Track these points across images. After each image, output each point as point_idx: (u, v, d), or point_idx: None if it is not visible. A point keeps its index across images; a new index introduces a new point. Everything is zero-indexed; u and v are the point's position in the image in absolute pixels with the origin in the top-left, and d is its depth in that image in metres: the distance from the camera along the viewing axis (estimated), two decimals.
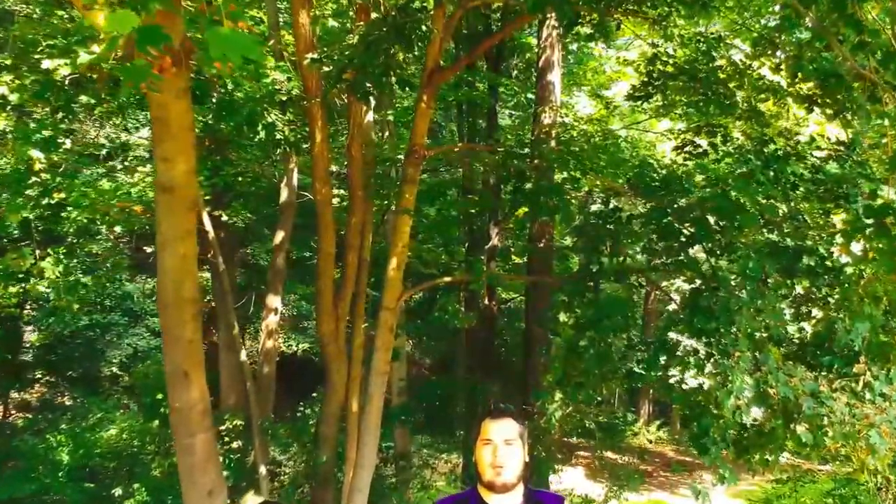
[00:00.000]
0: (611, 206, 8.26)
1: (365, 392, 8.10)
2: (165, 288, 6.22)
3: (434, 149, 9.66)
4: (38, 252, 6.71)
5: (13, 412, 20.34)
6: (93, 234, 13.30)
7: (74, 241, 13.56)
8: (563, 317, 7.60)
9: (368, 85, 5.98)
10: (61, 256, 7.04)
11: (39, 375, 20.68)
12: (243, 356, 10.80)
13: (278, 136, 7.58)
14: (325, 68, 6.43)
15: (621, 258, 8.06)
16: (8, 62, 7.06)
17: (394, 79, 6.35)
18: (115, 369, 20.81)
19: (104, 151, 9.64)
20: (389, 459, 12.89)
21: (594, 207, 12.54)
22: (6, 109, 7.75)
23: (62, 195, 6.54)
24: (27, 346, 20.57)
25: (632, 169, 9.59)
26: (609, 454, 17.56)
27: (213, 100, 7.99)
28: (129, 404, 18.36)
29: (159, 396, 12.25)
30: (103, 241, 14.87)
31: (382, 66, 5.76)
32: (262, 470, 10.13)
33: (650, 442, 23.50)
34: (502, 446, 2.76)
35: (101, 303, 20.79)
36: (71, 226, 11.57)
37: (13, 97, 6.81)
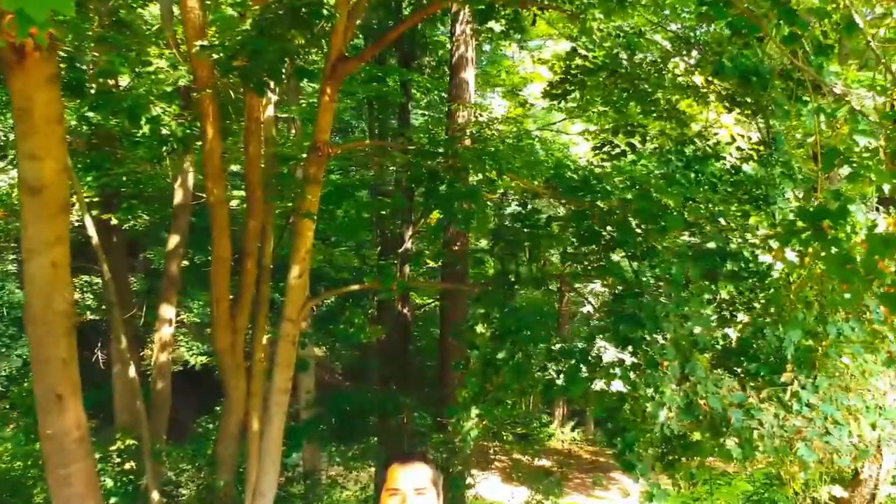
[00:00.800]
0: (528, 208, 7.84)
1: (265, 411, 7.43)
2: (32, 301, 5.47)
3: (340, 146, 9.05)
4: None
5: None
6: None
7: None
8: (479, 328, 7.14)
9: (263, 74, 5.36)
10: None
11: None
12: (132, 372, 9.94)
13: (165, 132, 6.86)
14: (216, 56, 5.76)
15: (541, 263, 7.69)
16: None
17: (291, 68, 5.75)
18: (2, 383, 19.45)
19: None
20: (296, 478, 12.18)
21: (510, 209, 12.20)
22: None
23: None
24: None
25: (548, 170, 9.24)
26: (524, 457, 17.33)
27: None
28: (18, 422, 16.98)
29: None
30: None
31: (277, 52, 5.14)
32: (155, 495, 9.29)
33: (563, 444, 23.39)
34: (412, 496, 2.32)
35: None
36: None
37: None
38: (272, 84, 6.05)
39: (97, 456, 8.43)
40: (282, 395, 7.23)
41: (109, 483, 10.11)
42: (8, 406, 16.67)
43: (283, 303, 7.31)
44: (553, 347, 6.53)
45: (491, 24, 9.26)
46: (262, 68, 5.25)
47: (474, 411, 7.17)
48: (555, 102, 10.03)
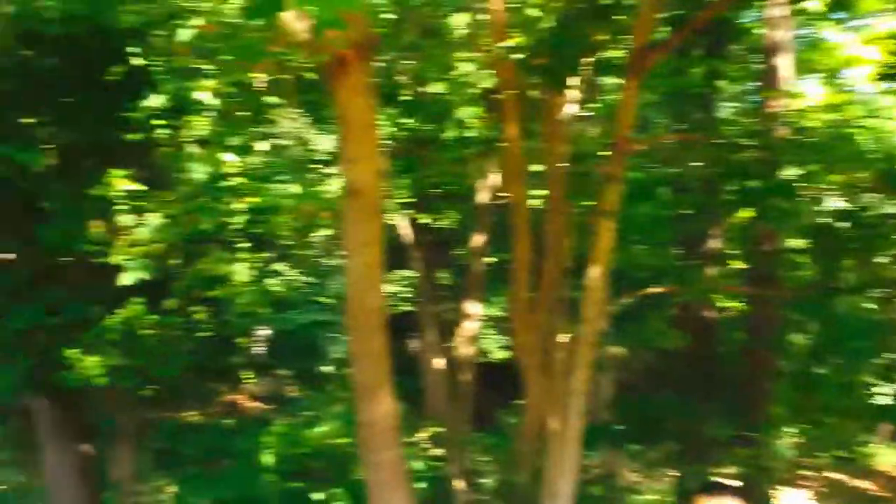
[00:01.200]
0: (856, 205, 6.93)
1: (564, 411, 7.38)
2: (351, 297, 5.94)
3: (641, 142, 8.71)
4: (232, 256, 6.66)
5: (240, 406, 21.75)
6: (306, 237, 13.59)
7: (286, 245, 14.00)
8: (795, 338, 6.43)
9: (563, 71, 5.28)
10: (253, 261, 6.99)
11: (252, 374, 21.97)
12: (442, 363, 10.46)
13: (471, 134, 7.10)
14: (518, 56, 5.80)
15: (870, 267, 6.77)
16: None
17: (592, 63, 5.61)
18: (333, 367, 21.70)
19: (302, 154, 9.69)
20: (595, 480, 12.04)
21: (832, 206, 10.94)
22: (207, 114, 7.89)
23: (256, 199, 6.45)
24: (252, 342, 21.95)
25: (878, 161, 8.11)
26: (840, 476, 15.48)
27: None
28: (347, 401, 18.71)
29: None
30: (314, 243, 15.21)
31: (578, 48, 5.03)
32: (459, 484, 9.73)
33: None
34: None
35: (319, 302, 21.76)
36: (271, 230, 11.80)
37: (216, 102, 6.85)
38: (572, 81, 5.96)
39: (407, 440, 8.98)
40: (580, 395, 7.13)
41: (419, 466, 10.69)
42: (339, 386, 18.53)
43: (582, 303, 7.19)
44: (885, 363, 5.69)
45: (807, 3, 8.39)
46: (563, 65, 5.16)
47: (788, 429, 6.49)
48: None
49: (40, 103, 9.62)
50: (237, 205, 6.42)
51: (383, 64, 6.78)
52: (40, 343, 8.87)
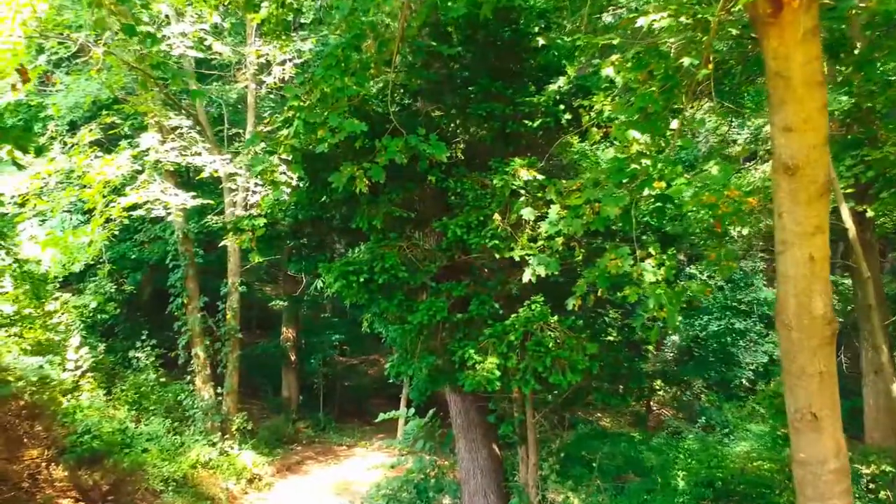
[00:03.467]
0: None
1: None
2: (786, 301, 4.74)
3: None
4: (638, 252, 5.82)
5: (650, 417, 20.95)
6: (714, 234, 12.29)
7: (698, 242, 12.79)
8: None
9: None
10: (665, 258, 6.06)
11: (662, 383, 20.95)
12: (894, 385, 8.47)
13: None
14: None
15: None
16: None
17: None
18: (749, 376, 19.83)
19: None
20: None
21: None
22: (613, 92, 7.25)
23: (662, 185, 5.54)
24: (661, 349, 21.01)
25: None
26: None
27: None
28: (766, 421, 16.91)
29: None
30: (732, 241, 13.68)
31: None
32: None
33: None
34: None
35: (734, 307, 20.05)
36: (680, 224, 10.67)
37: (619, 78, 6.16)
38: None
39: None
40: None
41: None
42: (755, 404, 16.70)
43: None
44: None
45: None
46: None
47: None
48: None
49: (446, 93, 9.85)
50: (646, 192, 5.59)
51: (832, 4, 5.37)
52: (443, 340, 9.00)
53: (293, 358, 21.27)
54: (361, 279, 8.13)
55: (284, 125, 7.26)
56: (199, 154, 13.88)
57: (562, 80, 8.33)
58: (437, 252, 9.01)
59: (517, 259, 7.79)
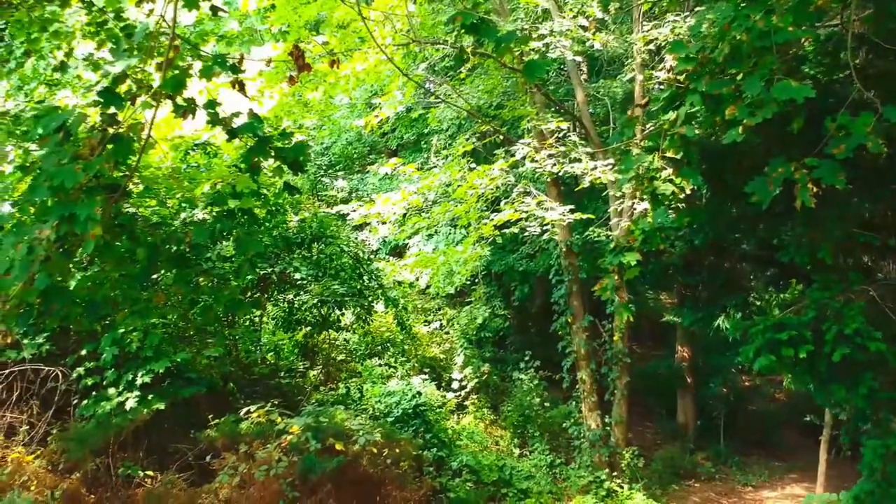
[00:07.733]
0: None
1: None
2: None
3: None
4: None
5: None
6: None
7: None
8: None
9: None
10: None
11: None
12: None
13: None
14: None
15: None
16: None
17: None
18: None
19: None
20: None
21: None
22: None
23: None
24: None
25: None
26: None
27: None
28: None
29: None
30: None
31: None
32: None
33: None
34: None
35: None
36: None
37: None
38: None
39: None
40: None
41: None
42: None
43: None
44: None
45: None
46: None
47: None
48: None
49: None
50: None
51: None
52: None
53: (689, 380, 18.70)
54: (801, 354, 5.02)
55: (670, 104, 5.05)
56: (579, 160, 12.02)
57: None
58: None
59: None
